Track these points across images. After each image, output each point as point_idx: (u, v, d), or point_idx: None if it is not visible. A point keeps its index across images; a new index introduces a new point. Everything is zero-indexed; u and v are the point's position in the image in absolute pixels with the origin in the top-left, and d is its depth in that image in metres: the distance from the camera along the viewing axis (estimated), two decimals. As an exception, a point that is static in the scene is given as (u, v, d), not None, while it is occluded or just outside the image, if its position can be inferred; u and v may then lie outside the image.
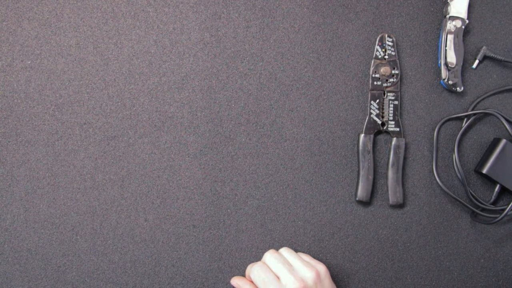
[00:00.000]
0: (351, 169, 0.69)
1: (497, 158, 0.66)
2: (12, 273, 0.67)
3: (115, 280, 0.68)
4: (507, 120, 0.68)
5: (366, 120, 0.68)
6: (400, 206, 0.69)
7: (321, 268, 0.60)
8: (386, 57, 0.68)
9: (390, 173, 0.68)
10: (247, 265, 0.68)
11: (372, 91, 0.68)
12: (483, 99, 0.69)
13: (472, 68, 0.70)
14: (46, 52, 0.68)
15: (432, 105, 0.69)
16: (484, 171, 0.66)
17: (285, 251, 0.62)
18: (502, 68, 0.70)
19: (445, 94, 0.70)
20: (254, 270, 0.60)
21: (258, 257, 0.68)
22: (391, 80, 0.68)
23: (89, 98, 0.68)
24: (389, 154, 0.68)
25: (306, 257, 0.62)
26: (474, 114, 0.68)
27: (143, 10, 0.69)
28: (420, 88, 0.69)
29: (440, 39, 0.68)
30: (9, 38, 0.68)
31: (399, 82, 0.68)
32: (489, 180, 0.68)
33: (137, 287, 0.68)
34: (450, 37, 0.67)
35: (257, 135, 0.68)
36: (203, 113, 0.68)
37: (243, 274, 0.68)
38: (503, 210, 0.67)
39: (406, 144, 0.69)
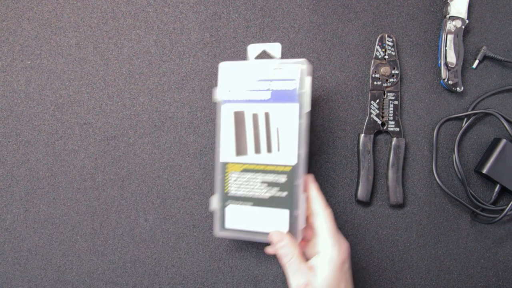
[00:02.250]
0: (351, 169, 0.69)
1: (497, 158, 0.66)
2: (12, 273, 0.67)
3: (115, 280, 0.68)
4: (507, 120, 0.68)
5: (366, 120, 0.68)
6: (400, 206, 0.69)
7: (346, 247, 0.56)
8: (386, 57, 0.68)
9: (390, 173, 0.68)
10: (247, 265, 0.68)
11: (372, 91, 0.68)
12: (483, 99, 0.69)
13: (472, 68, 0.70)
14: (46, 52, 0.68)
15: (432, 105, 0.69)
16: (484, 171, 0.66)
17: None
18: (502, 68, 0.70)
19: (445, 94, 0.70)
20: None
21: (258, 257, 0.68)
22: (391, 80, 0.68)
23: (89, 98, 0.68)
24: (389, 154, 0.68)
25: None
26: (474, 114, 0.68)
27: (143, 10, 0.69)
28: (420, 88, 0.69)
29: (440, 39, 0.68)
30: (9, 38, 0.68)
31: (399, 82, 0.68)
32: (489, 180, 0.68)
33: (137, 287, 0.68)
34: (450, 37, 0.67)
35: (257, 135, 0.68)
36: (203, 113, 0.68)
37: (242, 274, 0.68)
38: (503, 210, 0.67)
39: (406, 144, 0.69)
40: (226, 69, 0.59)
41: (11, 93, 0.68)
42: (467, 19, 0.68)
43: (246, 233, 0.58)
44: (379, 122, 0.68)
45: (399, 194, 0.67)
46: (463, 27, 0.67)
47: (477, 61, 0.69)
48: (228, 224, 0.59)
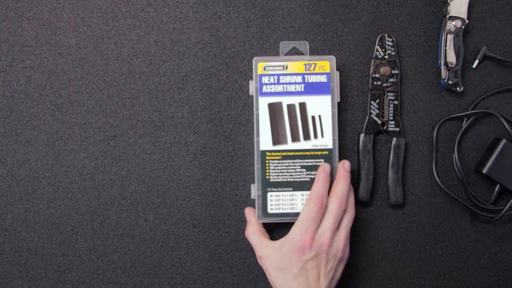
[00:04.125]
0: (351, 169, 0.69)
1: (497, 158, 0.66)
2: (12, 273, 0.67)
3: (115, 280, 0.68)
4: (507, 120, 0.68)
5: (366, 120, 0.68)
6: (400, 206, 0.69)
7: (345, 254, 0.61)
8: (386, 57, 0.68)
9: (390, 173, 0.68)
10: (247, 265, 0.68)
11: (372, 91, 0.68)
12: (483, 99, 0.69)
13: (472, 68, 0.70)
14: (46, 52, 0.68)
15: (432, 105, 0.69)
16: (484, 171, 0.66)
17: (347, 218, 0.61)
18: (502, 68, 0.70)
19: (445, 94, 0.70)
20: (307, 204, 0.60)
21: (258, 257, 0.68)
22: (391, 80, 0.68)
23: (89, 98, 0.68)
24: (389, 154, 0.68)
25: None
26: (474, 114, 0.68)
27: (143, 10, 0.69)
28: (420, 88, 0.69)
29: (440, 39, 0.68)
30: (9, 38, 0.68)
31: (399, 82, 0.68)
32: (489, 180, 0.68)
33: (137, 287, 0.68)
34: (450, 37, 0.67)
35: (257, 135, 0.68)
36: (203, 113, 0.68)
37: (242, 274, 0.68)
38: (503, 209, 0.67)
39: (406, 144, 0.69)
40: (260, 64, 0.64)
41: (11, 93, 0.68)
42: (467, 19, 0.68)
43: (288, 215, 0.64)
44: (379, 122, 0.68)
45: (399, 194, 0.67)
46: (463, 27, 0.67)
47: (477, 61, 0.69)
48: (270, 209, 0.64)
